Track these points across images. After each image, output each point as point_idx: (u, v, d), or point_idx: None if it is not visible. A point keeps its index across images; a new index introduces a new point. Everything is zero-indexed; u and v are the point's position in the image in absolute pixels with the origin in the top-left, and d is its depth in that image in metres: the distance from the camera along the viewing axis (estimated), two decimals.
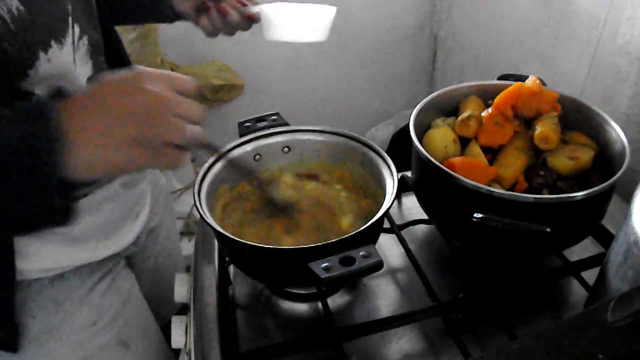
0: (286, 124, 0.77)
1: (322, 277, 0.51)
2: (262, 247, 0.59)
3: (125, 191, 0.77)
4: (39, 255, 0.66)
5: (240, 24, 0.80)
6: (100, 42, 0.70)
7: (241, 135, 0.75)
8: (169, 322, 0.76)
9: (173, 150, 0.48)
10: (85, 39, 0.64)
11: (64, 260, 0.69)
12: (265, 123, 0.77)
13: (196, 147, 0.52)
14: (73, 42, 0.61)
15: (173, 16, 0.81)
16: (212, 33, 0.80)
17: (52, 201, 0.45)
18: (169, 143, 0.47)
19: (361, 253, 0.53)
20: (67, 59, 0.60)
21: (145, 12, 0.81)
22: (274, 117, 0.78)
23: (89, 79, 0.65)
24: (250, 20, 0.79)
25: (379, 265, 0.52)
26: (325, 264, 0.52)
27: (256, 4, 0.79)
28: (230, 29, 0.80)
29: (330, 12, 0.80)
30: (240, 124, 0.77)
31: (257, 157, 0.76)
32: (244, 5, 0.78)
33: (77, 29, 0.62)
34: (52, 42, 0.57)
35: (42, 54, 0.56)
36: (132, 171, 0.49)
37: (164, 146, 0.47)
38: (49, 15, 0.57)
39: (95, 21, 0.68)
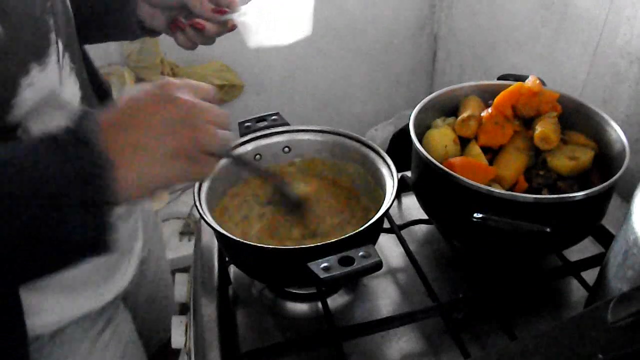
0: (287, 124, 0.77)
1: (321, 277, 0.51)
2: (261, 246, 0.59)
3: (122, 224, 0.73)
4: (43, 309, 0.60)
5: (219, 32, 0.74)
6: (81, 59, 0.64)
7: (241, 135, 0.76)
8: (159, 349, 0.73)
9: (208, 158, 0.47)
10: (67, 56, 0.58)
11: (68, 311, 0.64)
12: (265, 123, 0.77)
13: (225, 155, 0.51)
14: (58, 60, 0.55)
15: (142, 33, 0.75)
16: (190, 47, 0.76)
17: (101, 230, 0.42)
18: (206, 150, 0.46)
19: (360, 253, 0.53)
20: (52, 80, 0.55)
21: (109, 29, 0.74)
22: (275, 117, 0.78)
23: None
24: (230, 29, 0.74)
25: (378, 265, 0.52)
26: (325, 264, 0.52)
27: (235, 10, 0.72)
28: (209, 40, 0.75)
29: (308, 3, 0.75)
30: (241, 124, 0.77)
31: (257, 156, 0.76)
32: (222, 13, 0.71)
33: (60, 45, 0.55)
34: (32, 64, 0.51)
35: (23, 79, 0.50)
36: (173, 185, 0.47)
37: (200, 154, 0.46)
38: (30, 34, 0.51)
39: (75, 34, 0.62)
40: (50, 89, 0.54)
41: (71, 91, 0.59)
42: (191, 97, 0.46)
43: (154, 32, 0.76)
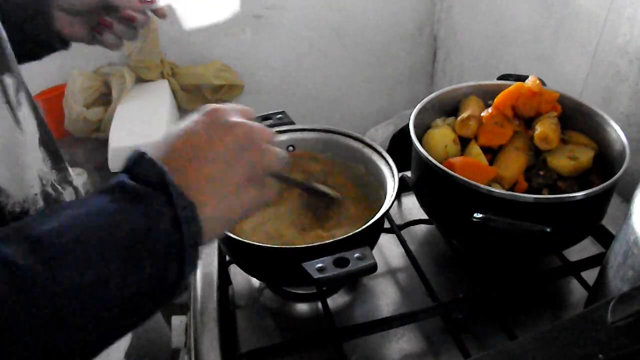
0: (292, 123, 0.77)
1: (315, 277, 0.51)
2: (260, 245, 0.59)
3: None
4: None
5: (145, 24, 0.73)
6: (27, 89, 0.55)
7: None
8: None
9: (269, 180, 0.47)
10: (23, 91, 0.50)
11: None
12: (270, 121, 0.77)
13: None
14: (8, 100, 0.47)
15: (60, 46, 0.71)
16: (116, 45, 0.73)
17: (187, 275, 0.39)
18: (268, 172, 0.46)
19: (356, 255, 0.53)
20: (7, 126, 0.46)
21: (20, 49, 0.60)
22: (280, 115, 0.78)
23: None
24: (158, 17, 0.73)
25: (372, 267, 0.52)
26: (319, 265, 0.52)
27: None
28: (135, 34, 0.73)
29: None
30: None
31: None
32: (151, 2, 0.71)
33: (9, 81, 0.47)
34: None
35: None
36: (248, 214, 0.46)
37: (266, 177, 0.46)
38: None
39: (16, 65, 0.52)
40: (8, 138, 0.47)
41: (30, 134, 0.51)
42: (242, 119, 0.45)
43: (66, 44, 0.72)
